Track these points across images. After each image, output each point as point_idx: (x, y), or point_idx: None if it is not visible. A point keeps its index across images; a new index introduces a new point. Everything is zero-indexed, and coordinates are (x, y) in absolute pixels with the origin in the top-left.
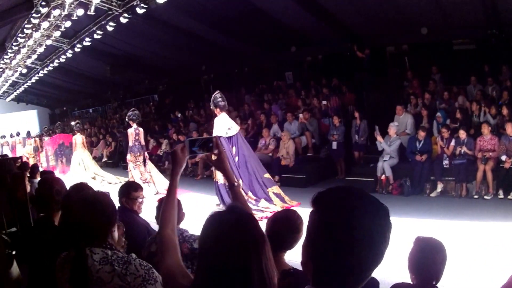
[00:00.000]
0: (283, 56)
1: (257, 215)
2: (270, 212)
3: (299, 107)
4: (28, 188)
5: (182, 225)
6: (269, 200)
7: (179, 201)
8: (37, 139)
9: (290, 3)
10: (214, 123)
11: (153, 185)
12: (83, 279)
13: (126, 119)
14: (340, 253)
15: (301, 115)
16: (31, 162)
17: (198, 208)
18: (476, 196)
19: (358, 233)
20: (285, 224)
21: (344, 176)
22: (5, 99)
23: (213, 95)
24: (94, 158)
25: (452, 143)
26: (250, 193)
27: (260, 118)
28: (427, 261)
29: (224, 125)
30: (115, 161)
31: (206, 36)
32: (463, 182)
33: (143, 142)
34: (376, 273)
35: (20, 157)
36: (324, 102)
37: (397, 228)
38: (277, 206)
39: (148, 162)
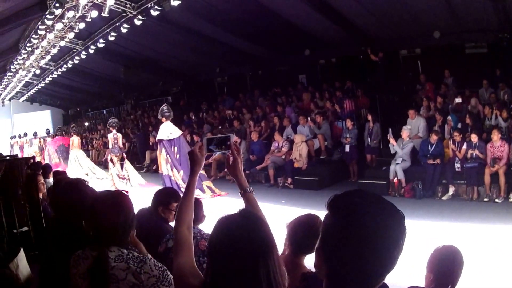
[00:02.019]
0: (297, 59)
1: None
2: (200, 199)
3: (312, 110)
4: (44, 189)
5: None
6: (202, 190)
7: (200, 202)
8: (41, 139)
9: (304, 6)
10: (160, 128)
11: (129, 181)
12: (104, 279)
13: (108, 126)
14: (354, 258)
15: (308, 119)
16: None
17: (212, 209)
18: (486, 199)
19: (373, 238)
20: (306, 228)
21: (356, 179)
22: (19, 99)
23: (161, 107)
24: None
25: (464, 146)
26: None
27: (274, 120)
28: (446, 270)
29: (167, 131)
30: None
31: (220, 39)
32: (474, 186)
33: (121, 145)
34: (387, 277)
35: (33, 157)
36: (335, 106)
37: (409, 231)
38: (207, 195)
39: (126, 161)
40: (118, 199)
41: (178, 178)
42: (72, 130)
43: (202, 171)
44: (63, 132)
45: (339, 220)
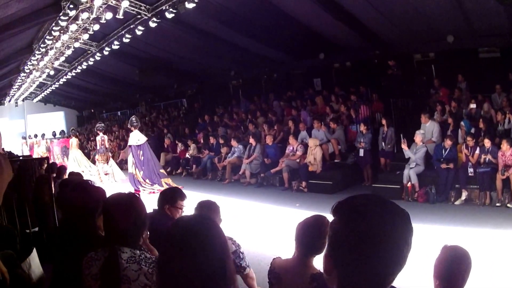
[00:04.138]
0: (312, 63)
1: (146, 191)
2: (158, 190)
3: (328, 113)
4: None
5: None
6: (160, 185)
7: (218, 207)
8: (48, 140)
9: (319, 10)
10: (130, 136)
11: (113, 177)
12: (114, 277)
13: (95, 129)
14: (365, 259)
15: (322, 123)
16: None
17: (225, 212)
18: (498, 204)
19: (381, 238)
20: (315, 230)
21: (370, 183)
22: (32, 100)
23: (130, 118)
24: (122, 160)
25: (477, 151)
26: (147, 180)
27: (289, 124)
28: (453, 269)
29: (135, 138)
30: None
31: (236, 42)
32: (487, 190)
33: (107, 146)
34: (400, 281)
35: (47, 158)
36: (351, 110)
37: (422, 235)
38: (164, 188)
39: (110, 159)
40: (130, 201)
41: (139, 176)
42: (71, 132)
43: (162, 170)
44: (75, 133)
45: (346, 224)
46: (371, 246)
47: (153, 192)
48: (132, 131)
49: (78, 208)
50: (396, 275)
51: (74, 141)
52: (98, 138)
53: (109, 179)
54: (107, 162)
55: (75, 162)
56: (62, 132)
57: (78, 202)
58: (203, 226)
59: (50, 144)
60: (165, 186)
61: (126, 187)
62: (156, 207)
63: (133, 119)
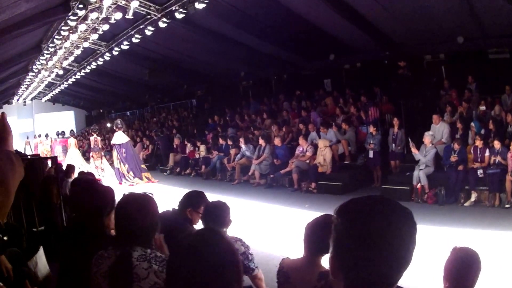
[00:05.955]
0: (322, 63)
1: (127, 182)
2: (136, 183)
3: (338, 115)
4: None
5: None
6: (140, 178)
7: (228, 207)
8: (53, 139)
9: (329, 11)
10: (114, 135)
11: (103, 172)
12: (127, 277)
13: (90, 131)
14: (372, 260)
15: (333, 124)
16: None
17: (235, 212)
18: (507, 206)
19: (388, 238)
20: (324, 229)
21: (380, 184)
22: (41, 99)
23: (115, 121)
24: None
25: (487, 153)
26: (131, 173)
27: (300, 126)
28: (463, 271)
29: (119, 138)
30: (152, 164)
31: (246, 42)
32: (496, 192)
33: (100, 146)
34: (410, 282)
35: (55, 157)
36: (361, 112)
37: (432, 237)
38: (143, 181)
39: (103, 158)
40: (144, 201)
41: (124, 170)
42: (70, 133)
43: (143, 165)
44: (73, 134)
45: (352, 225)
46: (378, 246)
47: (133, 185)
48: (116, 131)
49: (87, 207)
50: (402, 273)
51: (72, 141)
52: (92, 138)
53: (100, 173)
54: (100, 159)
55: (72, 160)
56: (62, 132)
57: (87, 201)
58: (213, 236)
59: (53, 142)
60: (145, 180)
61: (115, 181)
62: (176, 207)
63: (118, 121)
